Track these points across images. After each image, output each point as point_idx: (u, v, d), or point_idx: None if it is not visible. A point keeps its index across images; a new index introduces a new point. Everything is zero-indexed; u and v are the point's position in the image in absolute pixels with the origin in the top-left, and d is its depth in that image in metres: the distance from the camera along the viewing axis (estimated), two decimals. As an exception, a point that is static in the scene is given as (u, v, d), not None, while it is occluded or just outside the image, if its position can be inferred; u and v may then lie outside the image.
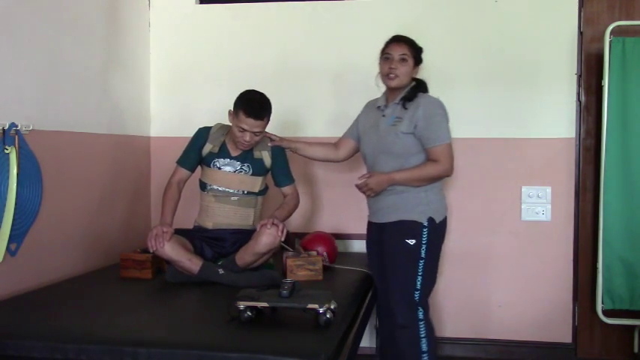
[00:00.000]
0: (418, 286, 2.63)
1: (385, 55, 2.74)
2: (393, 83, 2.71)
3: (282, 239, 2.73)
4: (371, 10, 3.60)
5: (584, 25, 3.47)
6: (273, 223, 2.71)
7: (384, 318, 2.88)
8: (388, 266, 2.69)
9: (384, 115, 2.75)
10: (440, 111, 2.67)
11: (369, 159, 2.80)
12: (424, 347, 2.62)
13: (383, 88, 2.83)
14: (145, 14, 3.76)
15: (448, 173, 2.66)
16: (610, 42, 3.28)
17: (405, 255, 2.63)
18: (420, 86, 2.76)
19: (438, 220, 2.67)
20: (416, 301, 2.64)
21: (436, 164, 2.63)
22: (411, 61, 2.71)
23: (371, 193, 2.70)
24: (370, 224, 2.86)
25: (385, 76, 2.73)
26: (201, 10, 3.79)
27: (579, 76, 3.46)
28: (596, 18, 3.50)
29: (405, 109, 2.67)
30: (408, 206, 2.65)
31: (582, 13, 3.46)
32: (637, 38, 3.28)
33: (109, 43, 3.36)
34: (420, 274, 2.63)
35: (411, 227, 2.63)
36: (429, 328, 2.67)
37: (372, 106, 2.89)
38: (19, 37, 2.64)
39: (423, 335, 2.63)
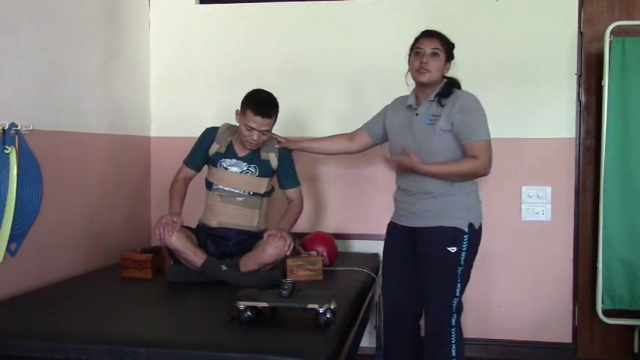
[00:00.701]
0: (457, 293, 2.56)
1: (416, 49, 2.63)
2: (424, 78, 2.59)
3: (289, 253, 2.75)
4: (371, 10, 3.60)
5: (584, 25, 3.47)
6: (281, 236, 2.72)
7: (398, 326, 2.78)
8: (426, 274, 2.60)
9: (417, 114, 2.63)
10: (478, 107, 2.57)
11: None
12: (453, 352, 2.57)
13: (412, 87, 2.73)
14: (145, 14, 3.76)
15: (486, 171, 2.54)
16: (610, 42, 3.27)
17: (445, 263, 2.54)
18: (454, 83, 2.66)
19: (477, 225, 2.58)
20: (452, 307, 2.57)
21: (475, 160, 2.50)
22: (442, 56, 2.60)
23: (395, 167, 2.58)
24: (396, 226, 2.73)
25: (416, 71, 2.60)
26: (201, 10, 3.79)
27: (579, 76, 3.46)
28: (596, 18, 3.50)
29: (442, 105, 2.57)
30: (449, 211, 2.54)
31: (582, 13, 3.46)
32: (637, 38, 3.28)
33: (109, 43, 3.36)
34: (459, 281, 2.55)
35: (452, 234, 2.52)
36: (459, 334, 2.61)
37: (400, 105, 2.76)
38: (19, 37, 2.64)
39: (453, 341, 2.57)
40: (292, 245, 2.76)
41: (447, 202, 2.55)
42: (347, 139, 2.95)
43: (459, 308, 2.61)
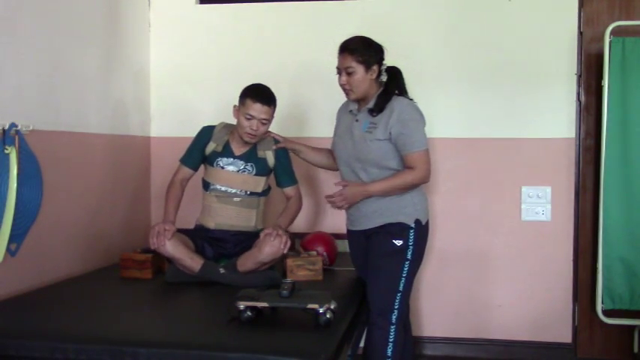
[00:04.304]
0: (400, 288, 2.56)
1: (337, 68, 2.64)
2: (350, 97, 2.65)
3: (285, 251, 2.74)
4: (371, 10, 3.60)
5: (584, 25, 3.47)
6: (277, 234, 2.71)
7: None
8: (372, 266, 2.62)
9: (357, 120, 2.66)
10: (415, 115, 2.56)
11: (344, 164, 2.71)
12: (389, 352, 2.55)
13: None
14: (145, 14, 3.76)
15: (425, 180, 2.58)
16: (610, 42, 3.27)
17: (391, 256, 2.56)
18: (390, 91, 2.61)
19: (423, 221, 2.62)
20: (395, 303, 2.56)
21: (412, 172, 2.54)
22: (360, 69, 2.56)
23: (345, 204, 2.62)
24: (352, 233, 2.78)
25: (343, 91, 2.66)
26: (201, 10, 3.79)
27: (579, 76, 3.47)
28: (596, 18, 3.50)
29: (377, 115, 2.58)
30: (394, 209, 2.58)
31: (582, 13, 3.46)
32: (637, 38, 3.28)
33: (109, 43, 3.36)
34: (404, 275, 2.56)
35: (398, 228, 2.56)
36: (399, 334, 2.58)
37: (345, 109, 2.81)
38: (20, 37, 2.64)
39: (391, 339, 2.55)
40: (289, 243, 2.75)
41: (392, 201, 2.58)
42: (333, 157, 2.94)
43: (401, 307, 2.59)
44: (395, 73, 2.65)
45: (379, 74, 2.63)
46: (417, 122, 2.56)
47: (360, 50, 2.57)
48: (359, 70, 2.57)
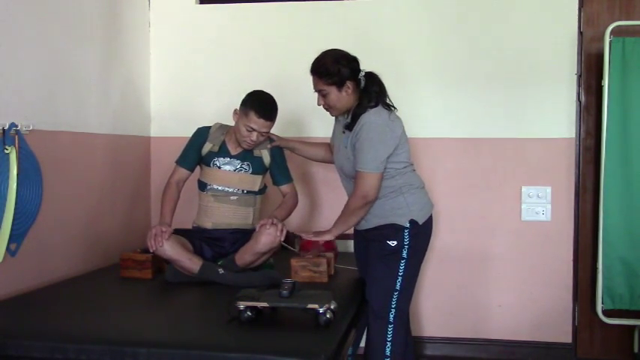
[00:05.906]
0: (397, 287, 2.57)
1: (313, 89, 2.64)
2: (333, 115, 2.67)
3: (282, 239, 2.74)
4: (371, 11, 3.60)
5: (584, 25, 3.47)
6: (272, 223, 2.71)
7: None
8: (369, 267, 2.65)
9: (343, 132, 2.66)
10: (371, 135, 2.49)
11: (338, 171, 2.76)
12: (387, 352, 2.56)
13: None
14: (145, 14, 3.76)
15: (366, 200, 2.52)
16: (610, 42, 3.27)
17: (387, 257, 2.57)
18: (363, 105, 2.54)
19: (421, 221, 2.59)
20: (392, 302, 2.57)
21: (352, 197, 2.56)
22: (332, 90, 2.55)
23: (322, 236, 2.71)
24: (356, 232, 2.82)
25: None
26: (201, 10, 3.79)
27: (579, 76, 3.46)
28: (596, 18, 3.50)
29: (351, 131, 2.58)
30: (388, 210, 2.58)
31: (582, 13, 3.46)
32: (637, 38, 3.28)
33: (109, 43, 3.35)
34: (400, 274, 2.56)
35: (392, 230, 2.56)
36: (398, 333, 2.58)
37: (336, 117, 2.78)
38: (19, 37, 2.64)
39: (389, 339, 2.56)
40: (285, 231, 2.75)
41: (384, 203, 2.58)
42: (329, 150, 2.95)
43: (400, 308, 2.59)
44: (369, 81, 2.58)
45: (357, 85, 2.58)
46: (370, 142, 2.49)
47: (329, 71, 2.54)
48: (331, 90, 2.56)
